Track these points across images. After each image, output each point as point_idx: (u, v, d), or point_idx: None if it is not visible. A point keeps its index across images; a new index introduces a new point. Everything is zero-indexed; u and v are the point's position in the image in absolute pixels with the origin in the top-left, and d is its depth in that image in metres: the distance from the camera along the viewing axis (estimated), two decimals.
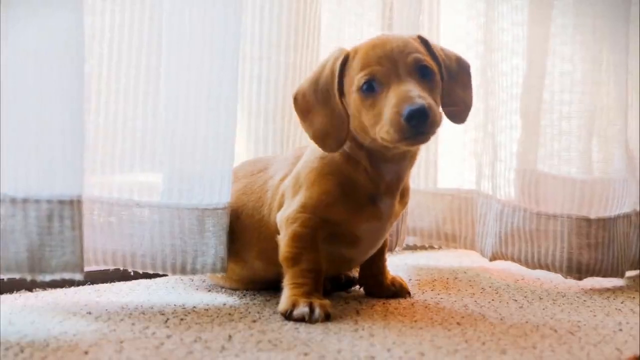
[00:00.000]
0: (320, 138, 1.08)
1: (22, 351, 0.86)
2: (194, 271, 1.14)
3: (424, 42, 1.10)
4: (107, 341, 0.91)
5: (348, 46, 1.10)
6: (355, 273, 1.29)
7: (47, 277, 0.98)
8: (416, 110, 0.97)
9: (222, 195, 1.15)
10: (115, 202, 1.13)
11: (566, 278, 1.40)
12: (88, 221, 1.11)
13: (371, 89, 1.03)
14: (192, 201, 1.14)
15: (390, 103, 1.00)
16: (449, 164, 1.65)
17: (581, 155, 1.44)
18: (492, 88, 1.49)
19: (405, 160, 1.11)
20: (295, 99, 1.11)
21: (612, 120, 1.46)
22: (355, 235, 1.12)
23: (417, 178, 1.59)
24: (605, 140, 1.46)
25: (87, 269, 1.24)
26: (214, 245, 1.14)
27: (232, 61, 1.14)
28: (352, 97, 1.05)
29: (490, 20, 1.49)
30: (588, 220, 1.38)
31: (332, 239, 1.11)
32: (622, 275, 1.42)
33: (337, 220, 1.10)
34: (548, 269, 1.41)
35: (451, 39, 1.60)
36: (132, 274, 1.24)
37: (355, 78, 1.04)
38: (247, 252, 1.18)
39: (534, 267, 1.42)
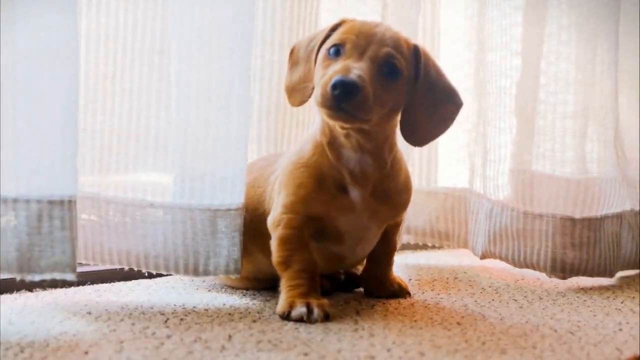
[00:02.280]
0: (290, 90, 1.14)
1: (22, 351, 0.86)
2: (206, 272, 1.14)
3: (416, 53, 1.09)
4: (107, 341, 0.91)
5: None
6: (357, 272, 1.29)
7: (37, 277, 0.98)
8: (341, 81, 0.98)
9: (234, 195, 1.14)
10: (129, 203, 1.13)
11: (550, 277, 1.41)
12: (104, 221, 1.13)
13: (337, 53, 1.05)
14: (203, 202, 1.14)
15: (332, 70, 1.02)
16: (444, 163, 1.65)
17: (571, 155, 1.44)
18: (486, 89, 1.49)
19: (364, 152, 1.09)
20: (292, 51, 1.16)
21: (602, 120, 1.46)
22: (337, 229, 1.11)
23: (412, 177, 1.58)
24: (594, 141, 1.46)
25: (88, 269, 1.26)
26: (227, 247, 1.14)
27: (243, 60, 1.13)
28: (320, 56, 1.08)
29: (485, 20, 1.49)
30: (572, 220, 1.38)
31: (319, 236, 1.11)
32: (610, 275, 1.42)
33: (316, 214, 1.09)
34: (533, 268, 1.41)
35: (451, 38, 1.59)
36: (136, 272, 1.23)
37: (330, 39, 1.07)
38: (252, 245, 1.18)
39: (520, 266, 1.42)
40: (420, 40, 1.51)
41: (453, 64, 1.59)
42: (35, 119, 0.97)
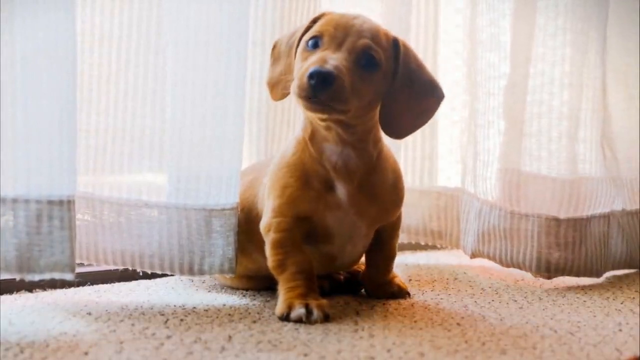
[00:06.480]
0: (272, 85, 1.14)
1: (22, 351, 0.86)
2: (201, 272, 1.15)
3: (396, 45, 1.09)
4: (107, 341, 0.91)
5: None
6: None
7: (36, 277, 0.98)
8: (318, 72, 0.98)
9: (229, 195, 1.15)
10: (124, 203, 1.14)
11: (535, 277, 1.41)
12: (99, 221, 1.13)
13: (315, 45, 1.05)
14: (198, 201, 1.14)
15: (310, 61, 1.02)
16: (443, 163, 1.64)
17: (558, 155, 1.44)
18: (483, 90, 1.48)
19: (346, 146, 1.09)
20: (274, 46, 1.16)
21: (589, 120, 1.45)
22: (326, 228, 1.11)
23: (405, 176, 1.57)
24: (581, 141, 1.46)
25: (88, 269, 1.26)
26: (222, 246, 1.14)
27: (239, 61, 1.14)
28: (299, 48, 1.08)
29: (482, 21, 1.48)
30: (557, 220, 1.38)
31: (309, 237, 1.11)
32: (597, 275, 1.42)
33: (304, 213, 1.09)
34: (519, 268, 1.41)
35: (452, 38, 1.59)
36: (136, 273, 1.23)
37: (309, 32, 1.07)
38: (250, 245, 1.18)
39: (507, 266, 1.43)
40: (414, 38, 1.51)
41: (453, 65, 1.59)
42: (34, 119, 0.97)
